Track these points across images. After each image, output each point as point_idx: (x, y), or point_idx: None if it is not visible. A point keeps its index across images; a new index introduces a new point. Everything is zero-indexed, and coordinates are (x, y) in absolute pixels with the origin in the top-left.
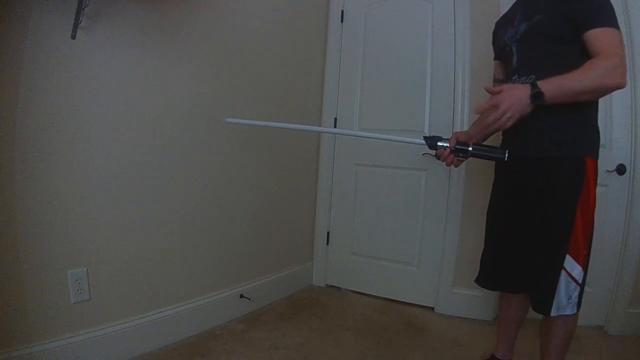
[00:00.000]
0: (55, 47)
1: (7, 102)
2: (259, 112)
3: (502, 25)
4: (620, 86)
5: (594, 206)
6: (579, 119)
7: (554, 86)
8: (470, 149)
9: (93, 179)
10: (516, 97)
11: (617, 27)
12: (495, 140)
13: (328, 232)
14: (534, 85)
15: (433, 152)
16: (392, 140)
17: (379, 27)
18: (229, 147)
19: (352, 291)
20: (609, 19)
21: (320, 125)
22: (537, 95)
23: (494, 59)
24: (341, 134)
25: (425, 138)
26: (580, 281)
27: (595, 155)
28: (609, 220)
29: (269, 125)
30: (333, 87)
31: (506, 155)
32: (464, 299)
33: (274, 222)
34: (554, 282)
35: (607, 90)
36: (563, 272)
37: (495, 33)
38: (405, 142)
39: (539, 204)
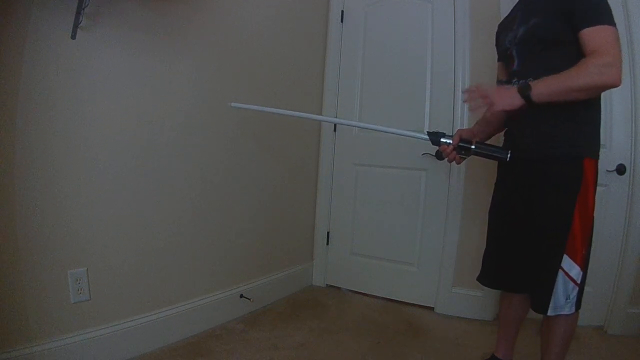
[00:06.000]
0: (55, 47)
1: (7, 102)
2: (257, 112)
3: (504, 27)
4: (614, 84)
5: (593, 207)
6: (578, 120)
7: (544, 83)
8: (473, 147)
9: (93, 179)
10: (504, 89)
11: (612, 24)
12: (494, 140)
13: (328, 232)
14: (524, 82)
15: (433, 151)
16: (396, 134)
17: (379, 27)
18: (228, 148)
19: (352, 291)
20: (603, 17)
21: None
22: (525, 87)
23: (497, 61)
24: (344, 124)
25: (429, 133)
26: (578, 281)
27: (594, 156)
28: (609, 220)
29: (272, 112)
30: (333, 88)
31: (508, 155)
32: (464, 299)
33: (274, 222)
34: (551, 282)
35: (600, 89)
36: (560, 272)
37: (497, 35)
38: (409, 136)
39: (538, 204)
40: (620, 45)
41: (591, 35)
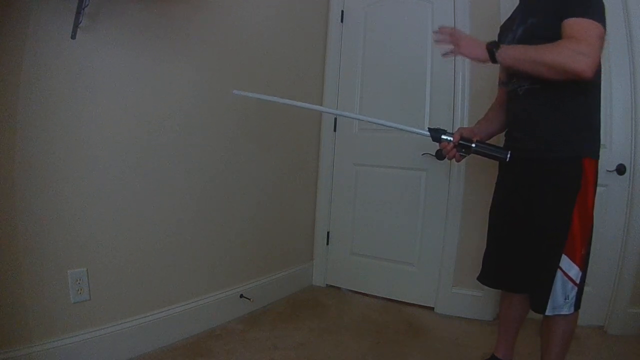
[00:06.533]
0: (55, 47)
1: (7, 102)
2: (257, 113)
3: (505, 29)
4: (582, 74)
5: (593, 207)
6: (578, 120)
7: (514, 48)
8: (473, 145)
9: (93, 179)
10: (475, 39)
11: (599, 21)
12: (495, 141)
13: (328, 232)
14: (495, 42)
15: (433, 151)
16: (398, 129)
17: (379, 27)
18: (228, 148)
19: (352, 291)
20: (591, 12)
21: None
22: (494, 44)
23: None
24: (345, 116)
25: (430, 130)
26: (577, 281)
27: (594, 156)
28: (609, 220)
29: (275, 101)
30: (333, 88)
31: (508, 156)
32: (464, 299)
33: (274, 222)
34: (549, 282)
35: (566, 73)
36: (559, 272)
37: (498, 37)
38: (410, 132)
39: (537, 204)
40: (603, 45)
41: (573, 25)
